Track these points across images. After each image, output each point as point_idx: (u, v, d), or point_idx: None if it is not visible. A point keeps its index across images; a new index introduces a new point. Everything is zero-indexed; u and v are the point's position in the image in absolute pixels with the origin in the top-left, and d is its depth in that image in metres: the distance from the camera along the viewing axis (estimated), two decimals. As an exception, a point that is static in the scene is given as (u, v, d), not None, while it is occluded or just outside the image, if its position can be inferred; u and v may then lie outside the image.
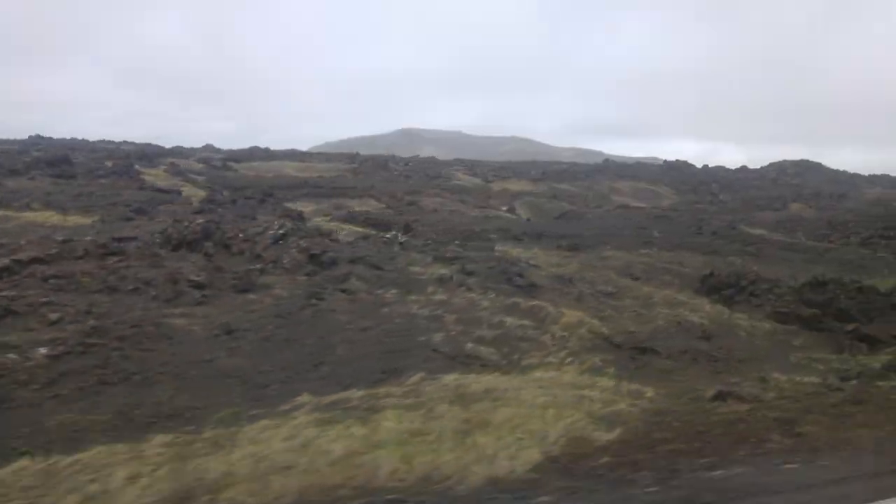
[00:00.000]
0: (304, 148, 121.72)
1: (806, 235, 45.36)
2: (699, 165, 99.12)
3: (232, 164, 66.78)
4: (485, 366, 11.76)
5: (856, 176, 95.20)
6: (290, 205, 48.39)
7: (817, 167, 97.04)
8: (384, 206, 50.69)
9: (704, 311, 22.57)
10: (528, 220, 41.48)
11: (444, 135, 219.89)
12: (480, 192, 58.70)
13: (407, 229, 25.68)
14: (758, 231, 47.02)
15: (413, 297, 15.13)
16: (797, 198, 76.15)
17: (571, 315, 15.65)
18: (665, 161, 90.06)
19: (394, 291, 15.40)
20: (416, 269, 17.53)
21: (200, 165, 61.94)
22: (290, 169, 68.20)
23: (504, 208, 55.23)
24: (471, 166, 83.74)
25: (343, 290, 14.31)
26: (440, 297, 15.53)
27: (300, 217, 25.46)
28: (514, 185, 78.63)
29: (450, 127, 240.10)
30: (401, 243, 19.56)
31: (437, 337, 12.90)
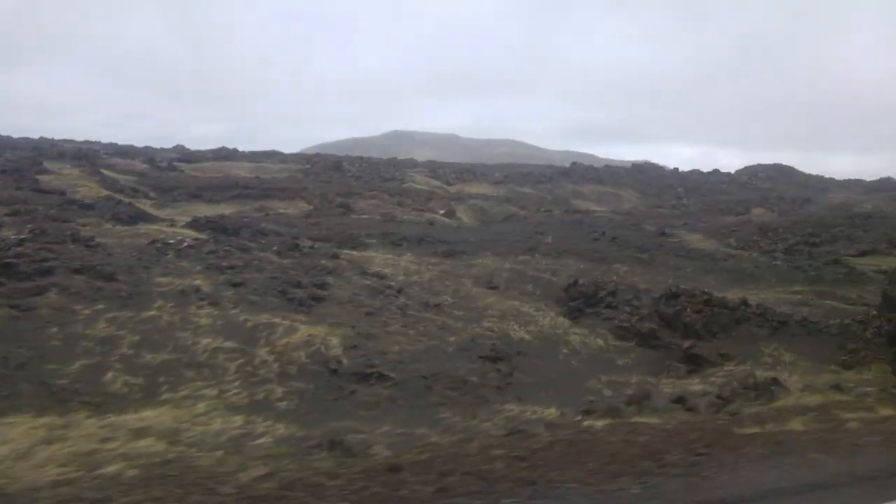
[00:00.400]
0: (297, 149, 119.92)
1: (738, 241, 43.13)
2: (690, 170, 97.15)
3: (182, 164, 65.19)
4: (88, 402, 9.73)
5: (829, 181, 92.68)
6: (210, 206, 46.74)
7: (790, 171, 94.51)
8: (311, 207, 48.85)
9: (541, 324, 20.42)
10: (432, 224, 39.27)
11: (437, 137, 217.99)
12: (421, 195, 56.55)
13: (233, 233, 23.65)
14: (696, 236, 44.80)
15: (114, 314, 13.16)
16: (761, 202, 73.89)
17: (304, 335, 13.61)
18: (633, 164, 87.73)
19: (100, 307, 13.44)
20: (166, 279, 15.54)
21: (144, 166, 60.40)
22: (241, 170, 66.42)
23: (441, 212, 53.10)
24: (434, 168, 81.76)
25: (14, 306, 12.35)
26: (153, 313, 13.55)
27: (133, 220, 23.52)
28: (474, 188, 76.71)
29: (444, 129, 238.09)
30: (178, 251, 17.56)
31: (77, 364, 10.92)
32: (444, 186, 75.32)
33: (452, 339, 16.78)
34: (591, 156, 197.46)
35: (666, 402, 11.71)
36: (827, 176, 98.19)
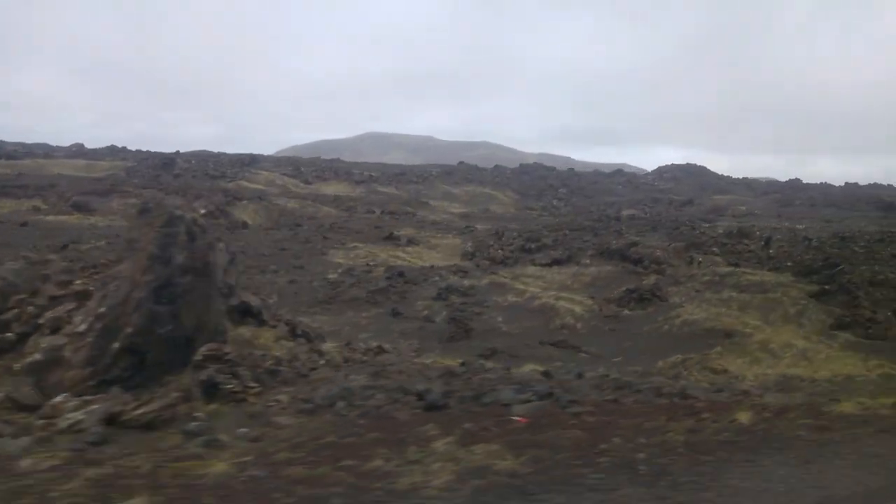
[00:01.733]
0: (270, 152, 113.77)
1: (475, 246, 35.61)
2: (617, 171, 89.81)
3: (-4, 161, 60.11)
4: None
5: (737, 182, 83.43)
6: None
7: (701, 172, 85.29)
8: (32, 206, 42.99)
9: None
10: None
11: (412, 139, 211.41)
12: (193, 193, 49.76)
13: None
14: (445, 241, 37.44)
15: None
16: (636, 204, 65.81)
17: None
18: (521, 164, 79.78)
19: None
20: None
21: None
22: (64, 168, 61.04)
23: (203, 211, 46.32)
24: (297, 166, 75.15)
25: None
26: None
27: None
28: (331, 188, 69.93)
29: (422, 131, 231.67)
30: None
31: None
32: (300, 185, 68.85)
33: None
34: (567, 158, 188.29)
35: None
36: (752, 177, 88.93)
